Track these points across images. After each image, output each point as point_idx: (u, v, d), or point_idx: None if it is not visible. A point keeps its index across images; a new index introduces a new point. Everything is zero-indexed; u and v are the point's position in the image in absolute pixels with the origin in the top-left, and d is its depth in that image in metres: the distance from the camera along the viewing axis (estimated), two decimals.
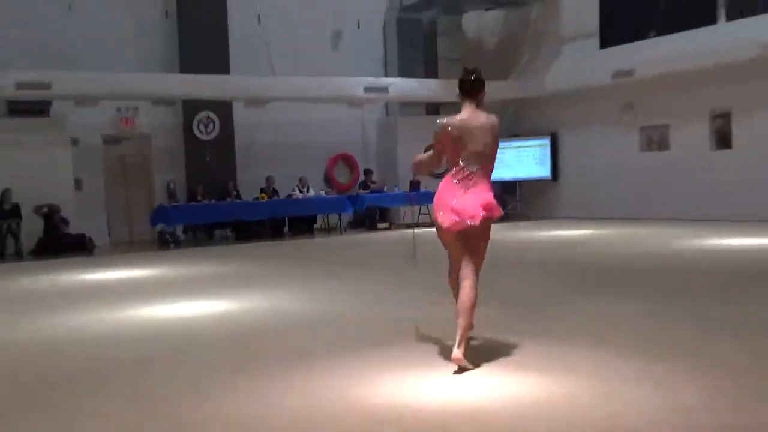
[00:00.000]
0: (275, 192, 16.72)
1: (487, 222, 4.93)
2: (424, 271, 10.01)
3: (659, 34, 16.05)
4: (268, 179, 16.76)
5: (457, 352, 4.72)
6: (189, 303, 7.92)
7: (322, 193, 17.13)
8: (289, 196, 16.76)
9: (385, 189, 17.64)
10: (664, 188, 16.22)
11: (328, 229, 17.07)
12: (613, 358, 5.05)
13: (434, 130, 5.19)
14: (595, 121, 17.45)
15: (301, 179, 17.04)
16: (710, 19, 15.16)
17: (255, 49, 17.12)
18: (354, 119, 18.84)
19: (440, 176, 5.24)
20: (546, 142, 18.61)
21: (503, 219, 18.56)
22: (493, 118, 5.17)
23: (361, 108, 18.92)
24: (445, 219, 5.05)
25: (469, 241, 4.97)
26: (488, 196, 4.99)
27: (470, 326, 4.90)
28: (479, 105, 5.25)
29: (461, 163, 5.07)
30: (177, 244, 15.08)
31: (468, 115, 5.18)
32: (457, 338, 4.78)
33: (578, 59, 17.63)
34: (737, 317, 6.13)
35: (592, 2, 17.35)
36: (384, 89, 17.56)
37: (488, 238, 5.05)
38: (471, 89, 5.28)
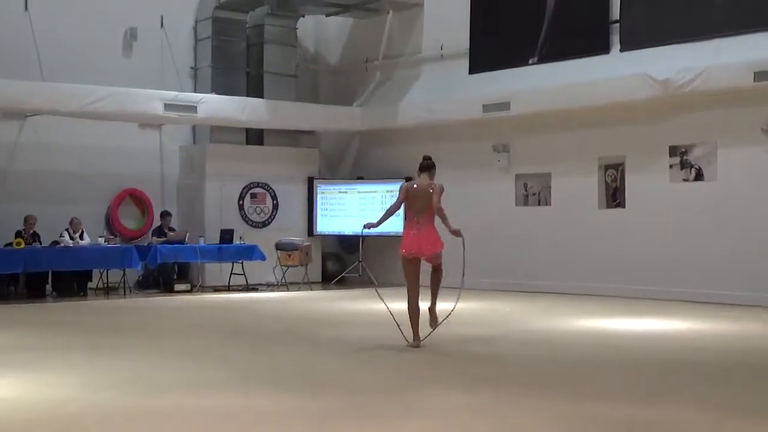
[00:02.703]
0: (36, 237, 16.21)
1: (435, 254, 9.72)
2: (233, 346, 9.92)
3: (541, 60, 16.80)
4: (27, 219, 16.22)
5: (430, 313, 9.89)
6: None
7: (102, 240, 16.69)
8: (56, 243, 16.26)
9: (186, 239, 17.41)
10: (544, 253, 16.83)
11: (108, 290, 16.65)
12: None
13: (400, 188, 10.15)
14: (462, 164, 17.95)
15: (72, 221, 16.56)
16: (601, 47, 16.02)
17: (16, 46, 16.65)
18: (149, 145, 18.55)
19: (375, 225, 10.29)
20: (398, 187, 18.87)
21: (340, 285, 18.74)
22: (433, 184, 9.80)
23: (158, 131, 18.64)
24: (409, 250, 9.70)
25: (429, 262, 9.78)
26: (431, 237, 9.71)
27: (436, 295, 9.92)
28: (431, 177, 9.90)
29: (412, 215, 9.87)
30: None
31: (418, 182, 9.92)
32: (432, 302, 9.86)
33: (442, 86, 18.16)
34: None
35: (462, 15, 17.97)
36: (191, 107, 17.42)
37: (440, 259, 9.81)
38: (427, 168, 9.96)
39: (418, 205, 9.80)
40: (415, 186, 9.90)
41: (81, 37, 17.53)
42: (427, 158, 10.12)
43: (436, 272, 9.88)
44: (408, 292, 9.72)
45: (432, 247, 9.68)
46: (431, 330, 9.85)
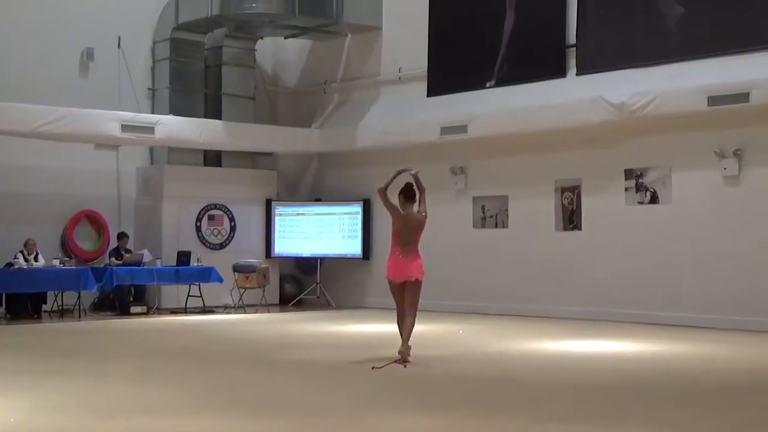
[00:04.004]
0: None
1: (418, 281, 10.21)
2: (189, 369, 9.85)
3: (499, 84, 16.90)
4: None
5: (403, 349, 10.04)
6: None
7: (57, 262, 16.53)
8: (10, 265, 16.11)
9: (143, 261, 17.27)
10: (501, 275, 16.88)
11: (62, 312, 16.47)
12: None
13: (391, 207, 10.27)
14: None
15: (27, 243, 16.41)
16: (558, 71, 16.16)
17: None
18: (106, 166, 18.42)
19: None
20: (356, 209, 18.95)
21: (297, 308, 18.68)
22: (421, 216, 10.26)
23: (115, 152, 18.52)
24: (395, 277, 10.22)
25: (409, 290, 10.20)
26: (418, 264, 10.22)
27: (409, 337, 10.16)
28: (418, 205, 10.29)
29: (399, 244, 10.25)
30: None
31: (407, 212, 10.24)
32: (405, 341, 10.08)
33: (400, 108, 18.20)
34: None
35: (420, 39, 18.06)
36: (148, 128, 17.33)
37: (420, 290, 10.25)
38: (413, 196, 10.25)
39: (407, 236, 10.25)
40: (407, 217, 10.23)
41: (37, 57, 17.41)
42: (410, 185, 10.36)
43: (411, 316, 10.21)
44: (397, 308, 10.34)
45: (416, 272, 10.19)
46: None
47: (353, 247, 19.03)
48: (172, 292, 17.83)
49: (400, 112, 18.12)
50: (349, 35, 19.49)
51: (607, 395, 8.35)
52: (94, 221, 18.33)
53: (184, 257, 17.55)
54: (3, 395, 8.22)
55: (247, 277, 17.58)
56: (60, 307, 16.61)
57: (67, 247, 17.88)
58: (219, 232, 18.97)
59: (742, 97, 13.54)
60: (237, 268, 17.66)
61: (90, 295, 17.19)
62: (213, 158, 19.33)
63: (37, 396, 8.22)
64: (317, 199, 19.74)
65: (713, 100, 13.81)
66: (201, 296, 17.49)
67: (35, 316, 16.21)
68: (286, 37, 19.87)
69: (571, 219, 16.20)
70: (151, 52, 19.13)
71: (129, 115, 17.29)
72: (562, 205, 16.31)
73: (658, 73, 14.67)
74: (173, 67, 18.75)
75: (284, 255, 19.52)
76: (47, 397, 8.21)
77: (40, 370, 9.90)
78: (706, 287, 14.34)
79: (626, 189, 15.44)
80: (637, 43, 15.24)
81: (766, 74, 13.42)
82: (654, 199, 15.17)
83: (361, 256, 18.83)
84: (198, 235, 18.68)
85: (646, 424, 7.03)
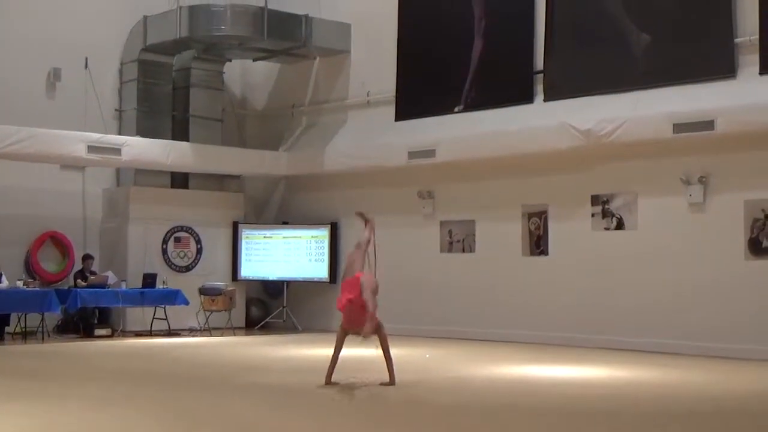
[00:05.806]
0: None
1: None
2: (153, 393, 9.79)
3: (466, 108, 17.00)
4: None
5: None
6: None
7: (21, 284, 16.39)
8: None
9: (109, 283, 17.17)
10: (468, 300, 16.91)
11: (25, 334, 16.32)
12: None
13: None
14: (387, 210, 18.01)
15: None
16: (525, 97, 16.28)
17: None
18: (71, 187, 18.33)
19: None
20: (324, 233, 18.96)
21: (264, 331, 18.61)
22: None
23: (82, 173, 18.44)
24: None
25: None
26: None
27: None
28: None
29: None
30: None
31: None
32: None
33: (368, 132, 18.26)
34: None
35: (388, 63, 18.14)
36: (115, 150, 17.28)
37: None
38: None
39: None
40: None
41: (2, 77, 17.34)
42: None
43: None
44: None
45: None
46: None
47: (320, 270, 19.00)
48: (138, 315, 17.72)
49: (368, 136, 18.17)
50: (318, 59, 19.55)
51: (571, 421, 8.37)
52: (59, 243, 18.21)
53: (149, 279, 17.46)
54: None
55: (213, 300, 17.51)
56: (23, 330, 16.44)
57: (31, 268, 17.74)
58: (185, 255, 18.90)
59: (707, 124, 13.70)
60: (203, 291, 17.59)
61: (54, 317, 17.07)
62: (180, 180, 19.28)
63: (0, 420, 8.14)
64: (284, 222, 19.71)
65: (678, 128, 13.96)
66: (166, 319, 17.39)
67: None
68: (254, 60, 19.90)
69: (537, 244, 16.28)
70: (118, 73, 19.09)
71: (95, 136, 17.23)
72: (529, 230, 16.39)
73: (624, 100, 14.81)
74: (141, 88, 18.71)
75: (251, 278, 19.46)
76: (10, 420, 8.10)
77: (2, 393, 9.80)
78: (671, 313, 14.44)
79: (593, 215, 15.54)
80: (603, 70, 15.39)
81: (731, 102, 13.58)
82: (620, 225, 15.27)
83: (328, 280, 18.81)
84: (164, 258, 18.59)
85: None
